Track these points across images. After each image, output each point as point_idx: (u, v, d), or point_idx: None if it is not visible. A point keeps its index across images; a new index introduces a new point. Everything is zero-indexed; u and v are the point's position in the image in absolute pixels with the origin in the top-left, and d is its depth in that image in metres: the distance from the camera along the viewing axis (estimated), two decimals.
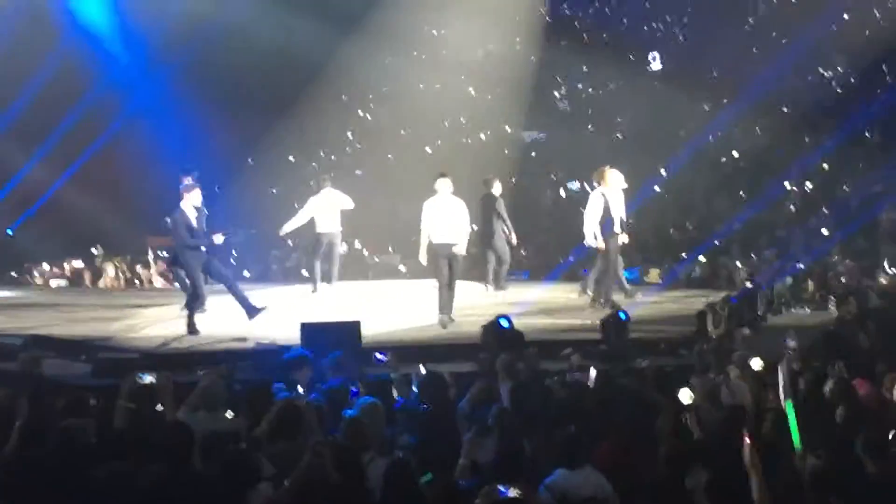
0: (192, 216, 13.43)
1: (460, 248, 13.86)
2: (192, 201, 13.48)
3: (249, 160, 26.03)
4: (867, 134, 22.47)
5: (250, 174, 25.69)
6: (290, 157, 26.68)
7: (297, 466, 6.57)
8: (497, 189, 17.28)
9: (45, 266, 24.07)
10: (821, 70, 23.69)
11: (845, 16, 22.84)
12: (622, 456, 7.18)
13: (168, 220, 13.75)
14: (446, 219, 13.65)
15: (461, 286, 14.64)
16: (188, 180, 14.48)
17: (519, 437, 7.27)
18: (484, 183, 17.41)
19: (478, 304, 15.67)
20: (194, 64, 23.33)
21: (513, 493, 5.54)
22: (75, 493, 6.43)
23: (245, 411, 8.24)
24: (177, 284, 16.17)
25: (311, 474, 6.37)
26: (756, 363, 9.53)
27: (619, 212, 15.31)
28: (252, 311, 13.55)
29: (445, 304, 13.82)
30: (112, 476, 6.47)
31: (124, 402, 7.96)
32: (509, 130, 26.81)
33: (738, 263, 19.50)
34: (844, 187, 21.48)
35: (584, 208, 15.62)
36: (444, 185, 13.82)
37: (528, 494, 5.81)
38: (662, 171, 21.40)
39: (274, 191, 25.87)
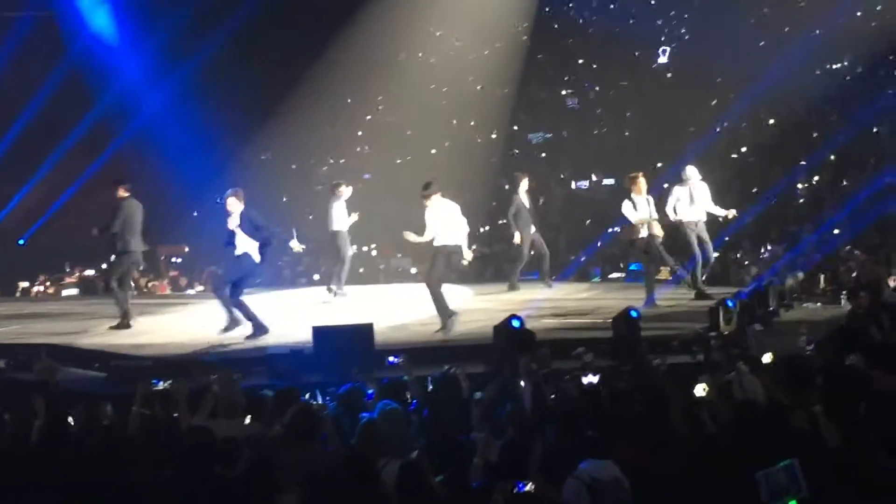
0: None
1: (465, 252, 13.89)
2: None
3: (263, 157, 26.11)
4: (875, 128, 22.42)
5: (260, 180, 25.77)
6: (293, 166, 26.72)
7: (313, 474, 6.58)
8: (522, 186, 17.51)
9: (57, 275, 24.18)
10: (828, 64, 23.63)
11: (858, 13, 22.83)
12: (639, 454, 7.18)
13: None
14: (445, 222, 13.60)
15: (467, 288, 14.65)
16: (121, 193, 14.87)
17: (529, 437, 7.28)
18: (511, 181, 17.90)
19: (490, 305, 15.70)
20: (204, 70, 23.40)
21: (528, 487, 5.60)
22: (95, 499, 6.46)
23: (269, 417, 8.23)
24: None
25: (324, 482, 6.41)
26: (767, 357, 9.51)
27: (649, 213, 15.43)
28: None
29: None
30: (131, 482, 6.50)
31: (138, 408, 7.99)
32: (517, 129, 26.83)
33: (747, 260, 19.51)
34: (853, 181, 21.44)
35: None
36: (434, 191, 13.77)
37: (544, 490, 5.85)
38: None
39: (284, 199, 25.92)
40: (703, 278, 16.01)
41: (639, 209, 15.20)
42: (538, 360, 9.58)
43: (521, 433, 7.33)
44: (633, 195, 15.27)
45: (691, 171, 15.98)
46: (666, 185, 17.71)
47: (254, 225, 13.56)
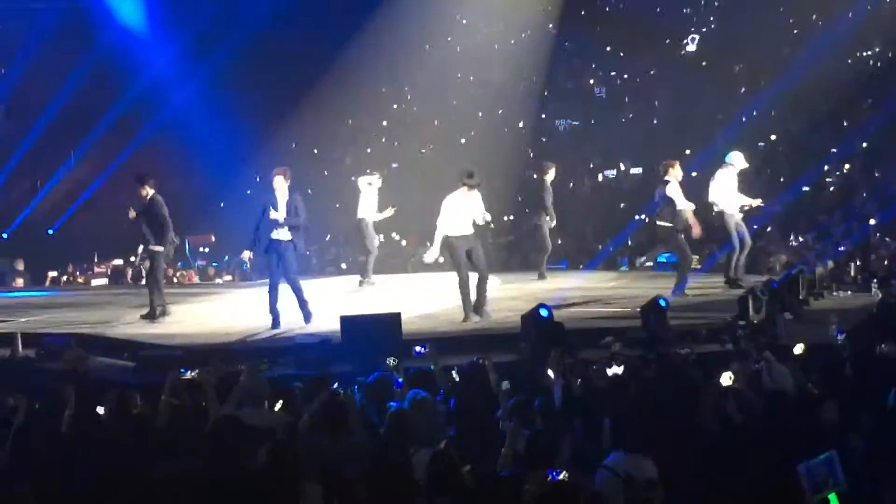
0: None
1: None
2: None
3: (293, 144, 26.14)
4: None
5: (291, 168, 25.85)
6: (315, 151, 26.69)
7: (340, 463, 6.57)
8: (549, 175, 17.43)
9: (86, 265, 24.32)
10: (858, 51, 23.41)
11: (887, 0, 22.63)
12: (665, 443, 7.14)
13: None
14: (459, 212, 13.66)
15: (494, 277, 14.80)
16: (146, 190, 14.60)
17: (558, 429, 7.25)
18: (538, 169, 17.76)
19: (517, 294, 15.67)
20: (231, 61, 23.46)
21: (561, 476, 5.60)
22: (125, 489, 6.47)
23: (298, 406, 8.23)
24: None
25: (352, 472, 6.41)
26: (798, 349, 9.43)
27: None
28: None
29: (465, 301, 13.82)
30: (159, 470, 6.51)
31: (167, 398, 8.00)
32: (544, 117, 26.74)
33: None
34: (884, 169, 21.27)
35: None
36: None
37: (577, 479, 5.83)
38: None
39: (309, 191, 25.96)
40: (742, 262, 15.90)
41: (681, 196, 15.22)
42: (568, 350, 9.57)
43: (550, 425, 7.31)
44: (673, 180, 15.19)
45: (737, 158, 15.83)
46: (694, 174, 17.64)
47: (296, 210, 13.52)
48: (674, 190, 15.14)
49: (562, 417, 7.64)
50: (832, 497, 5.43)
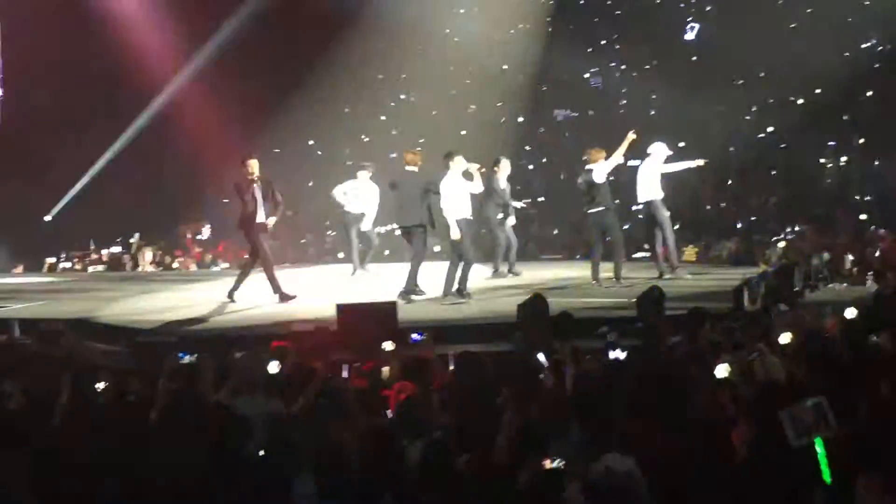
0: None
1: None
2: None
3: (310, 142, 26.17)
4: None
5: (286, 158, 25.84)
6: (310, 141, 26.69)
7: (333, 452, 6.59)
8: (501, 171, 17.66)
9: (83, 252, 24.33)
10: (856, 43, 23.39)
11: None
12: (657, 437, 7.14)
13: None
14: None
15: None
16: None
17: (557, 416, 7.24)
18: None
19: (512, 283, 15.70)
20: (230, 52, 23.45)
21: (555, 464, 5.59)
22: (117, 475, 6.49)
23: (291, 395, 8.24)
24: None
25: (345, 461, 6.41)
26: (785, 338, 9.43)
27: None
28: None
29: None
30: (154, 458, 6.52)
31: (165, 382, 8.01)
32: (542, 108, 26.72)
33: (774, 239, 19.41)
34: (881, 162, 21.30)
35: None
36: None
37: (574, 467, 5.83)
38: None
39: (311, 184, 25.93)
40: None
41: None
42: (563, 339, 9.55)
43: (548, 414, 7.29)
44: (595, 167, 15.56)
45: (659, 147, 16.47)
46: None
47: None
48: (600, 174, 15.43)
49: (569, 406, 7.62)
50: (818, 441, 5.30)
